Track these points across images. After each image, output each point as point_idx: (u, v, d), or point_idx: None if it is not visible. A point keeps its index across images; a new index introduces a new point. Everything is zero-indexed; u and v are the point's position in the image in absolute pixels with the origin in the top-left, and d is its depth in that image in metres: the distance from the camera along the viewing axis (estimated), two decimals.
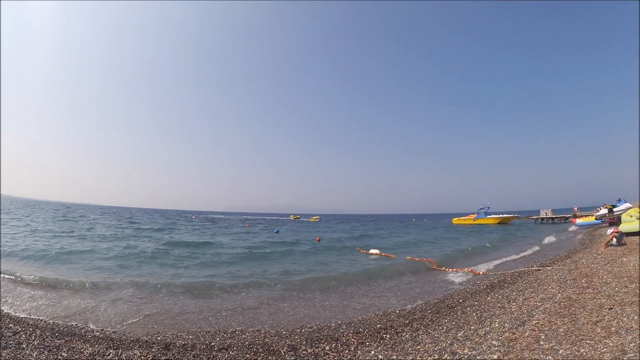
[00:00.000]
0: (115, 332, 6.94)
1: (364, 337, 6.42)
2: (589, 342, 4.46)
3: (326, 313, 8.55)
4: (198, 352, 5.67)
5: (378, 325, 7.22)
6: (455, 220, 68.90)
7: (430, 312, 8.07)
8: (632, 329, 4.59)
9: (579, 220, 36.07)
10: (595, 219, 32.83)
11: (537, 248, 21.16)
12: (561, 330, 5.14)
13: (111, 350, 5.71)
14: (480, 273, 13.46)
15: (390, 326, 7.08)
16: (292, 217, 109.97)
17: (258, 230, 43.28)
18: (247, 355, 5.53)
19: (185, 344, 6.15)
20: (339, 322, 7.70)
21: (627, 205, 29.14)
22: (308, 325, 7.44)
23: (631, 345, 4.05)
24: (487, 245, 24.48)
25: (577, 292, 7.38)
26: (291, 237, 33.23)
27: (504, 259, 17.12)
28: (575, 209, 52.49)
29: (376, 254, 20.38)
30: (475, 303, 8.43)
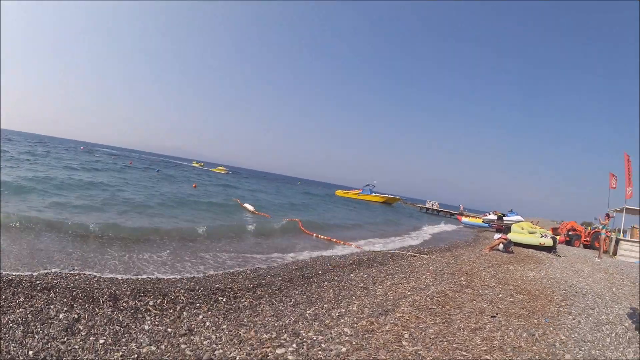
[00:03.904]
0: None
1: (196, 297, 6.07)
2: (465, 353, 3.86)
3: (174, 265, 8.39)
4: (20, 289, 5.34)
5: (217, 285, 6.84)
6: (338, 192, 75.25)
7: (281, 279, 7.68)
8: (520, 348, 4.08)
9: (464, 219, 39.85)
10: (483, 221, 36.00)
11: (419, 235, 22.67)
12: (431, 331, 4.66)
13: None
14: (352, 245, 13.96)
15: (230, 288, 6.69)
16: (194, 164, 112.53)
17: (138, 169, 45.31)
18: (65, 299, 5.21)
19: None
20: (179, 276, 7.46)
21: (519, 217, 32.44)
22: (143, 275, 7.25)
23: None
24: (370, 221, 27.17)
25: (455, 289, 7.29)
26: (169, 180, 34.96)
27: (382, 239, 17.84)
28: (462, 207, 58.70)
29: (251, 210, 21.61)
30: (336, 278, 8.09)
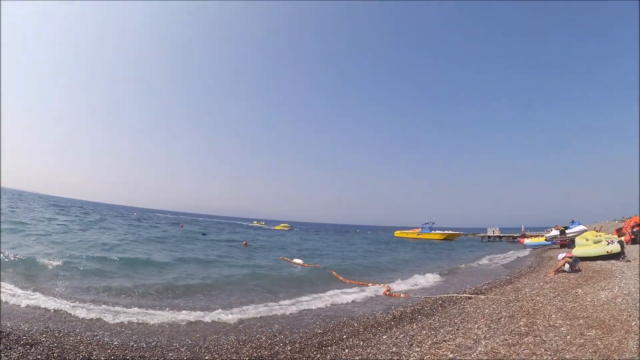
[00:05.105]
0: None
1: None
2: None
3: (176, 334, 7.39)
4: (4, 341, 5.66)
5: (207, 357, 6.04)
6: (397, 233, 76.35)
7: (290, 349, 6.51)
8: None
9: (527, 240, 38.08)
10: (546, 239, 34.08)
11: (477, 269, 21.10)
12: None
13: None
14: (401, 296, 12.34)
15: None
16: (254, 224, 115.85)
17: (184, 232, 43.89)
18: (38, 357, 5.23)
19: None
20: (177, 344, 6.67)
21: (582, 227, 30.80)
22: (141, 343, 6.59)
23: None
24: (426, 261, 26.07)
25: (510, 341, 5.66)
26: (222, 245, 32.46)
27: (436, 282, 16.02)
28: (523, 228, 57.47)
29: (299, 264, 20.95)
30: (362, 343, 6.72)
